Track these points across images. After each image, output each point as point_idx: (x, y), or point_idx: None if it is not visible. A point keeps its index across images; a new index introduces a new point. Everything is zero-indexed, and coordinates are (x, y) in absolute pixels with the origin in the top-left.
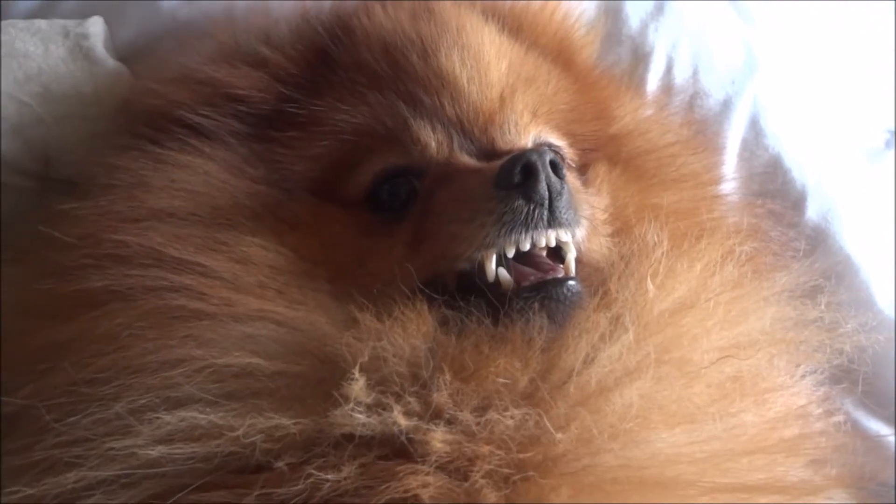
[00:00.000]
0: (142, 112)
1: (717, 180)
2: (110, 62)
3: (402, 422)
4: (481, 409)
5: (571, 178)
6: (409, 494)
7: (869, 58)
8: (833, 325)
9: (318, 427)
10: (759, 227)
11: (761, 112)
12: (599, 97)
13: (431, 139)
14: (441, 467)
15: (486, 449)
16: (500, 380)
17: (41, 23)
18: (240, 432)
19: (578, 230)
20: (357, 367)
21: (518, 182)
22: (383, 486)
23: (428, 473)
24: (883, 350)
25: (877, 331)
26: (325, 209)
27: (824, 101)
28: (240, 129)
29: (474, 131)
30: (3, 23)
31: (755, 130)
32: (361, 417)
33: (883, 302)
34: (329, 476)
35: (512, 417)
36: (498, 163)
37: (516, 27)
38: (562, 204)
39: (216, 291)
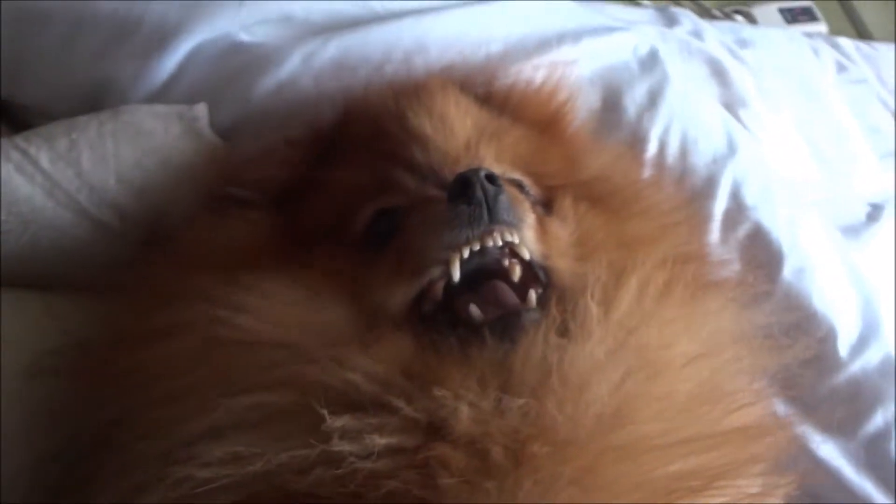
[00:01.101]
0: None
1: (684, 212)
2: (214, 139)
3: (381, 441)
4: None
5: (512, 190)
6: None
7: (852, 128)
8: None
9: (328, 454)
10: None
11: (741, 186)
12: (568, 148)
13: (409, 181)
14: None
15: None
16: (465, 391)
17: (161, 108)
18: (269, 457)
19: (524, 231)
20: (326, 402)
21: (459, 192)
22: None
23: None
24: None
25: (837, 374)
26: (333, 251)
27: (801, 175)
28: (268, 201)
29: (444, 172)
30: (130, 107)
31: (736, 202)
32: (348, 447)
33: (843, 352)
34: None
35: (516, 406)
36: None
37: (502, 101)
38: (500, 206)
39: (244, 321)
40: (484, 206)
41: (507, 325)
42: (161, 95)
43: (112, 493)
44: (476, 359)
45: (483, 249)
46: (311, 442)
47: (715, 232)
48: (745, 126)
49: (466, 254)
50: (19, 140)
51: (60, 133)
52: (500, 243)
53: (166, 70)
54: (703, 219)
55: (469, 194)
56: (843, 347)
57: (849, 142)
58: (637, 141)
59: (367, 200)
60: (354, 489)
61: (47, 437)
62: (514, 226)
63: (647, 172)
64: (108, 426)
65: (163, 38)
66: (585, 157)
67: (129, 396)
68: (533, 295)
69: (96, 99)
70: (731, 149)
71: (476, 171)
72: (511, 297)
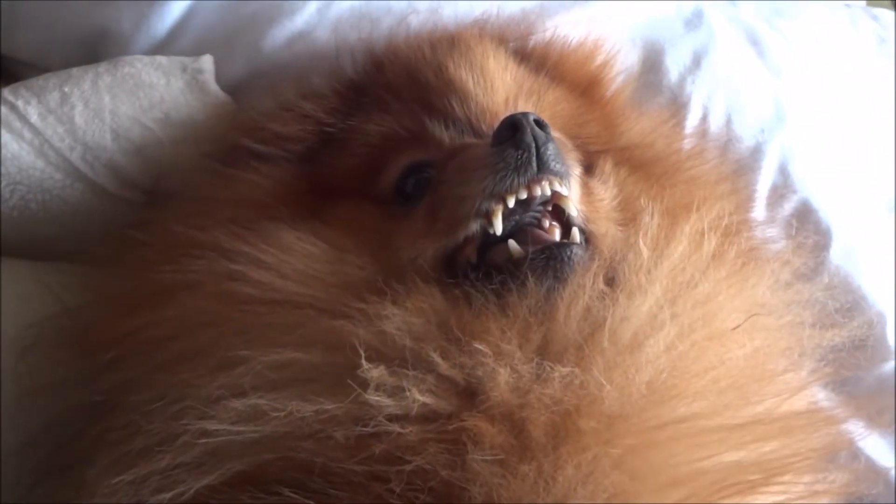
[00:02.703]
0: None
1: (729, 185)
2: (220, 93)
3: (419, 398)
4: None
5: (560, 137)
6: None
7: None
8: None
9: (358, 408)
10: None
11: (789, 159)
12: (608, 111)
13: (444, 135)
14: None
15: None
16: (506, 345)
17: (162, 59)
18: (294, 412)
19: (572, 184)
20: (364, 352)
21: (507, 136)
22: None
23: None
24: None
25: (886, 362)
26: (358, 206)
27: (847, 150)
28: (288, 156)
29: (482, 128)
30: (129, 58)
31: (784, 175)
32: (384, 400)
33: (892, 339)
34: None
35: (559, 375)
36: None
37: (540, 58)
38: (549, 152)
39: (263, 276)
40: (533, 151)
41: (550, 258)
42: (164, 47)
43: (114, 459)
44: (516, 307)
45: (528, 200)
46: (340, 397)
47: (760, 207)
48: None
49: (512, 202)
50: (6, 93)
51: (52, 86)
52: (549, 193)
53: (170, 19)
54: (748, 192)
55: (518, 138)
56: (893, 335)
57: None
58: (678, 106)
59: (396, 154)
60: (375, 468)
61: (39, 414)
62: (563, 176)
63: (690, 141)
64: (110, 392)
65: None
66: (625, 122)
67: (136, 359)
68: (577, 231)
69: (94, 51)
70: (780, 119)
71: (525, 114)
72: (551, 236)
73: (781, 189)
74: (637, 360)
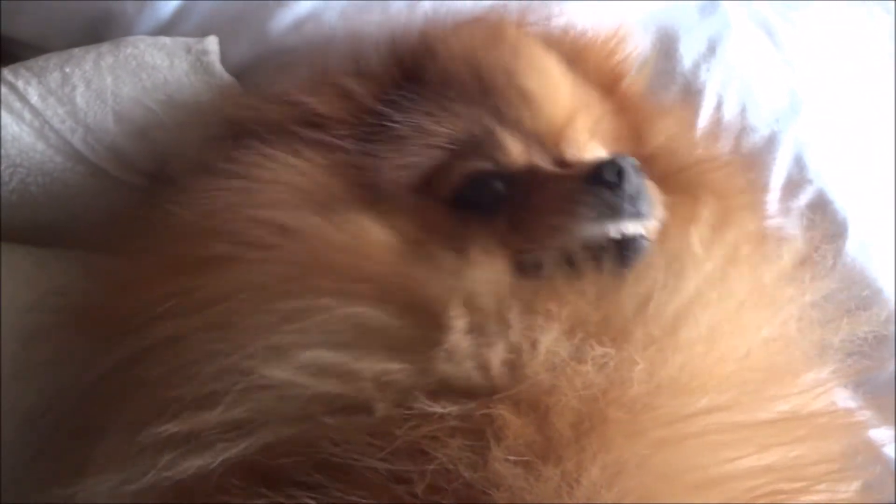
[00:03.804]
0: (247, 120)
1: (752, 192)
2: (225, 76)
3: (497, 362)
4: (566, 345)
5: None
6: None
7: None
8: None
9: (420, 373)
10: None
11: (804, 149)
12: (635, 120)
13: (514, 147)
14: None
15: (567, 386)
16: (574, 315)
17: (166, 40)
18: (355, 370)
19: (653, 222)
20: (453, 309)
21: (611, 180)
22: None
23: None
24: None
25: None
26: (421, 202)
27: (863, 142)
28: (331, 141)
29: (547, 144)
30: (132, 38)
31: (799, 166)
32: (452, 367)
33: None
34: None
35: (594, 356)
36: (588, 165)
37: (572, 58)
38: (644, 199)
39: (335, 256)
40: (631, 197)
41: (625, 246)
42: (168, 30)
43: (138, 418)
44: (583, 286)
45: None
46: (408, 357)
47: (775, 199)
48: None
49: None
50: (6, 73)
51: (52, 66)
52: (638, 235)
53: (174, 1)
54: (764, 187)
55: (621, 185)
56: None
57: None
58: (692, 94)
59: (460, 159)
60: (397, 466)
61: (41, 389)
62: (651, 219)
63: (710, 146)
64: (134, 358)
65: None
66: (649, 128)
67: (182, 319)
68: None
69: (97, 34)
70: (795, 108)
71: (626, 159)
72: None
73: (797, 179)
74: (674, 341)
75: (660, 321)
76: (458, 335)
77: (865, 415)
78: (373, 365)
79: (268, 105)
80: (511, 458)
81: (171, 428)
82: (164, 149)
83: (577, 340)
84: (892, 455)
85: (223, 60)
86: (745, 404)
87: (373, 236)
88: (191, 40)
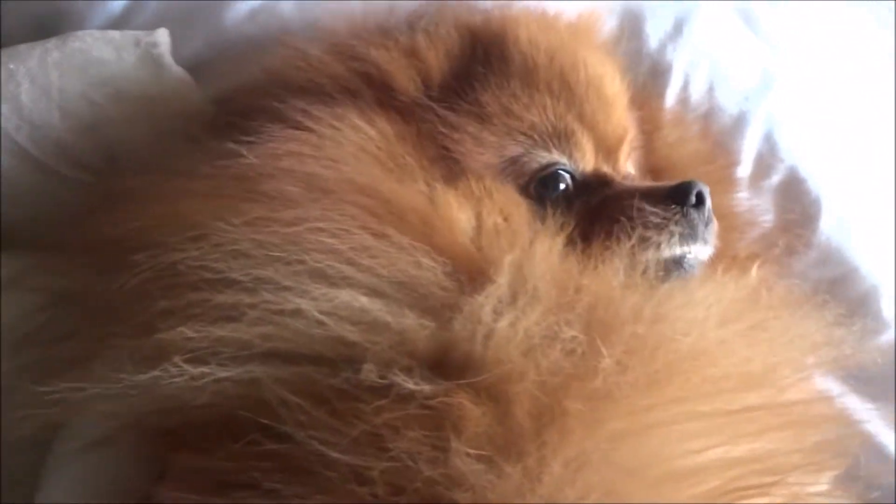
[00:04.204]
0: (313, 77)
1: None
2: (175, 68)
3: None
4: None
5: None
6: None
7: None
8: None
9: (444, 339)
10: (769, 234)
11: (775, 127)
12: (648, 130)
13: (589, 149)
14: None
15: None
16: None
17: (114, 33)
18: (390, 324)
19: (711, 249)
20: (497, 275)
21: (692, 203)
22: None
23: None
24: (885, 355)
25: (881, 336)
26: (500, 188)
27: (842, 119)
28: (401, 107)
29: (610, 150)
30: (80, 33)
31: (769, 144)
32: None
33: (888, 312)
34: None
35: (565, 339)
36: (667, 184)
37: None
38: (710, 227)
39: (408, 217)
40: (705, 223)
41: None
42: (121, 24)
43: (148, 320)
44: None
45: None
46: (431, 317)
47: (745, 177)
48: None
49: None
50: None
51: None
52: (699, 258)
53: None
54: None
55: (701, 210)
56: (888, 307)
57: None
58: (658, 74)
59: (536, 147)
60: (357, 460)
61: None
62: (711, 244)
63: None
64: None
65: None
66: (657, 138)
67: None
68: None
69: (48, 33)
70: (766, 85)
71: (705, 186)
72: None
73: (768, 158)
74: (653, 336)
75: (643, 318)
76: (492, 293)
77: (854, 401)
78: (403, 319)
79: (335, 60)
80: (471, 452)
81: (188, 332)
82: (114, 144)
83: (551, 321)
84: (880, 440)
85: (177, 54)
86: (713, 394)
87: (453, 214)
88: (140, 33)
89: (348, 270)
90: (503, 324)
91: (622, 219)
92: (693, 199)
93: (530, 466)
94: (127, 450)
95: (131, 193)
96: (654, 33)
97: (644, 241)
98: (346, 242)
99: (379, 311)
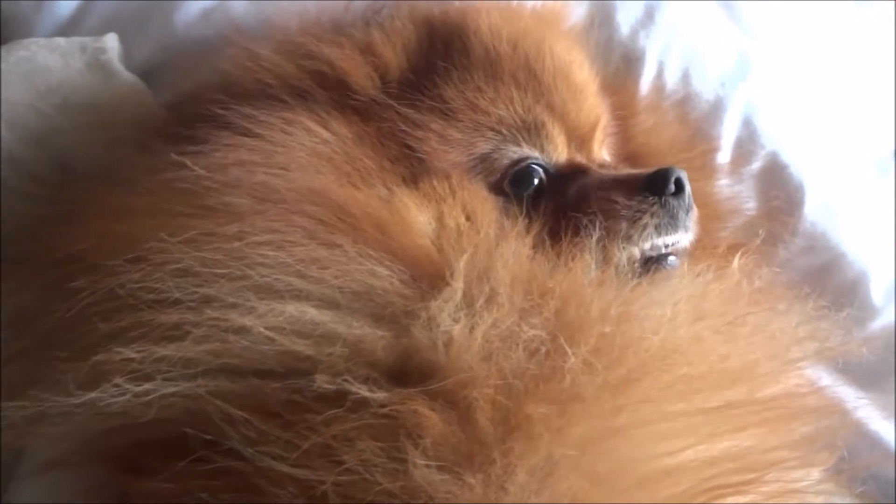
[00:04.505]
0: (264, 79)
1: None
2: (125, 74)
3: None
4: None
5: None
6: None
7: (875, 64)
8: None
9: (401, 347)
10: (753, 220)
11: (754, 112)
12: (622, 116)
13: (560, 141)
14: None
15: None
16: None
17: (60, 40)
18: (342, 335)
19: (692, 235)
20: (455, 278)
21: (671, 192)
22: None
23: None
24: (877, 342)
25: (870, 322)
26: (465, 186)
27: (824, 104)
28: (353, 104)
29: (583, 139)
30: (25, 41)
31: (749, 129)
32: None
33: (878, 298)
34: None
35: (526, 339)
36: (648, 173)
37: None
38: (691, 213)
39: (362, 224)
40: (686, 210)
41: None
42: (71, 29)
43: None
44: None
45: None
46: (388, 326)
47: (725, 165)
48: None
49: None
50: None
51: None
52: (679, 245)
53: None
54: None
55: (681, 197)
56: (878, 293)
57: (874, 72)
58: (631, 62)
59: (506, 142)
60: (310, 476)
61: None
62: (692, 232)
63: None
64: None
65: None
66: (633, 125)
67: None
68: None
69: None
70: (743, 70)
71: (683, 172)
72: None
73: (748, 144)
74: (623, 336)
75: (610, 317)
76: (448, 298)
77: (847, 392)
78: (355, 330)
79: (285, 60)
80: (431, 463)
81: (128, 353)
82: (65, 155)
83: (510, 322)
84: (877, 430)
85: (129, 57)
86: (687, 393)
87: (412, 217)
88: (87, 39)
89: (297, 283)
90: (460, 329)
91: (595, 213)
92: (672, 187)
93: (495, 475)
94: (80, 473)
95: (77, 209)
96: (626, 20)
97: (616, 234)
98: (295, 254)
99: (331, 323)
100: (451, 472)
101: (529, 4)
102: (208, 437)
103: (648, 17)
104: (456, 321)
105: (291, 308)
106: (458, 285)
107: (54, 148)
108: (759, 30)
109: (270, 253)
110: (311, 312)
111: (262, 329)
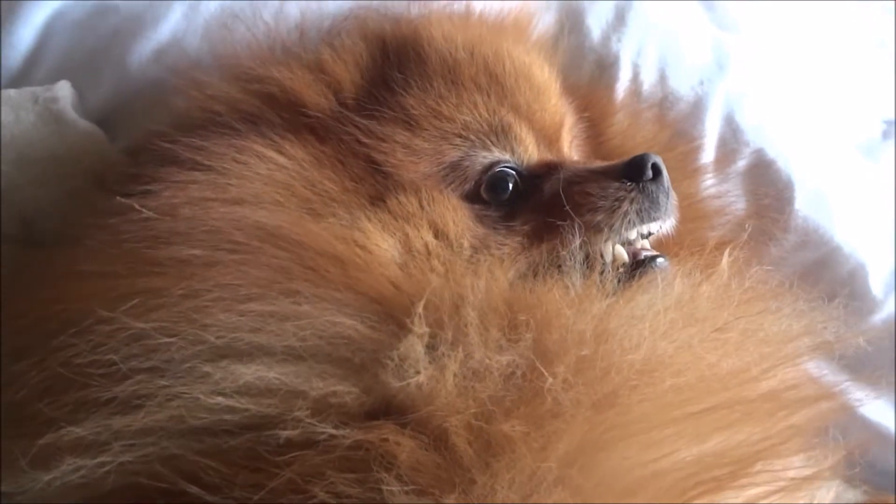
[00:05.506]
0: (213, 106)
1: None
2: (81, 122)
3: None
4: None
5: None
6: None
7: (860, 47)
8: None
9: (374, 394)
10: (741, 219)
11: (736, 108)
12: (594, 117)
13: (529, 141)
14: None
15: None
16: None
17: (10, 92)
18: (309, 390)
19: (673, 221)
20: (416, 319)
21: (649, 177)
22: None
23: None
24: (880, 335)
25: (871, 315)
26: (435, 198)
27: (807, 93)
28: (308, 125)
29: (550, 140)
30: None
31: (731, 127)
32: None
33: (877, 289)
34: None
35: (499, 366)
36: (624, 161)
37: None
38: (671, 198)
39: (321, 263)
40: (666, 194)
41: (645, 262)
42: (24, 78)
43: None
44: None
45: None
46: (358, 377)
47: (710, 164)
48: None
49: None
50: None
51: None
52: (662, 232)
53: (24, 42)
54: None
55: (659, 182)
56: (877, 284)
57: (859, 57)
58: (605, 67)
59: (474, 148)
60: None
61: None
62: (670, 216)
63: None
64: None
65: (11, 2)
66: (606, 126)
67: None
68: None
69: None
70: (721, 66)
71: (657, 156)
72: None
73: (731, 143)
74: (601, 352)
75: (587, 340)
76: (413, 343)
77: (848, 383)
78: (320, 385)
79: (231, 86)
80: (408, 487)
81: (78, 431)
82: (26, 210)
83: (481, 354)
84: (879, 421)
85: (85, 102)
86: (674, 404)
87: (375, 246)
88: (38, 89)
89: (256, 339)
90: (431, 373)
91: (572, 208)
92: (649, 172)
93: (477, 495)
94: None
95: (29, 275)
96: (596, 24)
97: (596, 227)
98: (252, 309)
99: (294, 380)
100: (429, 494)
101: (480, 11)
102: (168, 487)
103: (619, 19)
104: (425, 366)
105: (251, 370)
106: (423, 330)
107: (14, 204)
108: (726, 15)
109: (222, 313)
110: (273, 372)
111: (219, 398)
